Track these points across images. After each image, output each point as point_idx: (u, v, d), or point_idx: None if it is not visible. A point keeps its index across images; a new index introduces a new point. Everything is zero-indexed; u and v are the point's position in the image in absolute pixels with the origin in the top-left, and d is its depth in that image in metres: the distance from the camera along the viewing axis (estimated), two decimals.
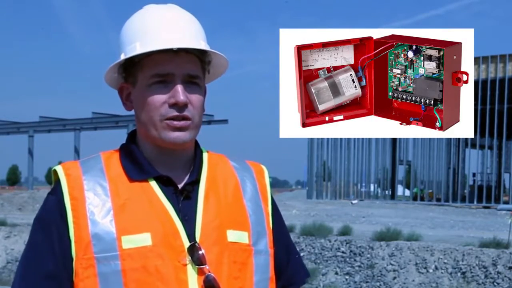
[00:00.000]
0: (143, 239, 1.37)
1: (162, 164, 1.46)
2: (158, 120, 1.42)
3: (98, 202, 1.40)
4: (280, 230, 1.59)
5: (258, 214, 1.52)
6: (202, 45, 1.46)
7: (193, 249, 1.38)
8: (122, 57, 1.45)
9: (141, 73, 1.44)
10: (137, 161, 1.46)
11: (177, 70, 1.41)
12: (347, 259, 11.63)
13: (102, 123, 31.54)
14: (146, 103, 1.43)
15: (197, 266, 1.37)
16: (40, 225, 1.43)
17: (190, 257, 1.38)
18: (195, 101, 1.44)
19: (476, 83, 24.69)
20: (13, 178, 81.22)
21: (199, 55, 1.46)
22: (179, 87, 1.41)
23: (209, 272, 1.38)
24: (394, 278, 10.96)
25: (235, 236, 1.45)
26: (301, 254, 11.86)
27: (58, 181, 1.44)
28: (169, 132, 1.42)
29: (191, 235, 1.40)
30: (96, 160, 1.48)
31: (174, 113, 1.41)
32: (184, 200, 1.44)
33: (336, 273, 11.52)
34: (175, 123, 1.42)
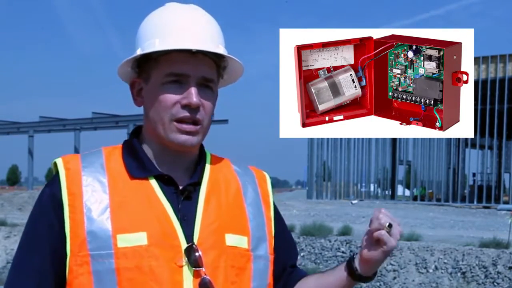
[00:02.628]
0: (139, 238, 1.35)
1: (165, 164, 1.45)
2: (168, 120, 1.40)
3: (95, 198, 1.38)
4: (283, 235, 1.58)
5: (259, 219, 1.50)
6: (221, 49, 1.44)
7: (190, 251, 1.36)
8: (139, 52, 1.43)
9: (156, 70, 1.42)
10: (139, 158, 1.45)
11: (193, 71, 1.40)
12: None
13: (102, 123, 31.50)
14: (157, 100, 1.41)
15: (193, 268, 1.36)
16: (31, 220, 1.43)
17: (186, 259, 1.36)
18: (207, 105, 1.43)
19: (476, 83, 24.68)
20: (13, 178, 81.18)
21: (216, 59, 1.45)
22: (193, 89, 1.40)
23: (205, 274, 1.36)
24: (394, 278, 10.95)
25: (234, 240, 1.43)
26: (301, 254, 11.89)
27: (57, 174, 1.42)
28: (177, 134, 1.41)
29: (189, 236, 1.38)
30: (98, 155, 1.47)
31: (186, 114, 1.40)
32: (184, 200, 1.42)
33: None
34: (185, 126, 1.40)
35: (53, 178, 1.44)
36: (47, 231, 1.39)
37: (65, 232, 1.37)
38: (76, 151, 31.01)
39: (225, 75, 1.52)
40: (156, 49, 1.40)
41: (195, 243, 1.38)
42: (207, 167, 1.51)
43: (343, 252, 11.82)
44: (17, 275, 1.41)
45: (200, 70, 1.41)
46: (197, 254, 1.36)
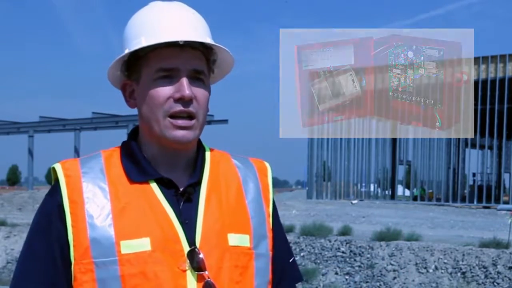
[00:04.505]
0: (143, 244, 1.34)
1: (164, 164, 1.44)
2: (162, 117, 1.39)
3: (97, 205, 1.37)
4: (279, 230, 1.56)
5: (260, 216, 1.49)
6: (209, 41, 1.44)
7: (192, 254, 1.36)
8: (127, 52, 1.42)
9: (146, 68, 1.41)
10: (138, 162, 1.43)
11: (183, 65, 1.40)
12: (347, 259, 11.63)
13: (102, 123, 31.52)
14: (150, 97, 1.40)
15: (196, 272, 1.35)
16: (37, 228, 1.41)
17: (189, 263, 1.35)
18: (200, 96, 1.41)
19: (476, 83, 24.64)
20: (13, 178, 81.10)
21: (205, 52, 1.45)
22: (185, 81, 1.39)
23: (209, 278, 1.35)
24: (394, 278, 10.96)
25: (236, 239, 1.42)
26: (301, 254, 11.91)
27: (57, 182, 1.41)
28: (172, 130, 1.39)
29: (191, 239, 1.37)
30: (97, 159, 1.45)
31: (179, 107, 1.39)
32: (185, 202, 1.41)
33: (336, 273, 11.52)
34: (180, 122, 1.39)
35: (53, 186, 1.42)
36: (55, 240, 1.37)
37: (68, 240, 1.36)
38: (76, 151, 31.05)
39: (216, 69, 1.51)
40: (143, 45, 1.39)
41: (197, 247, 1.37)
42: (207, 164, 1.49)
43: (343, 252, 11.82)
44: (27, 285, 1.39)
45: (190, 63, 1.40)
46: (199, 257, 1.35)
